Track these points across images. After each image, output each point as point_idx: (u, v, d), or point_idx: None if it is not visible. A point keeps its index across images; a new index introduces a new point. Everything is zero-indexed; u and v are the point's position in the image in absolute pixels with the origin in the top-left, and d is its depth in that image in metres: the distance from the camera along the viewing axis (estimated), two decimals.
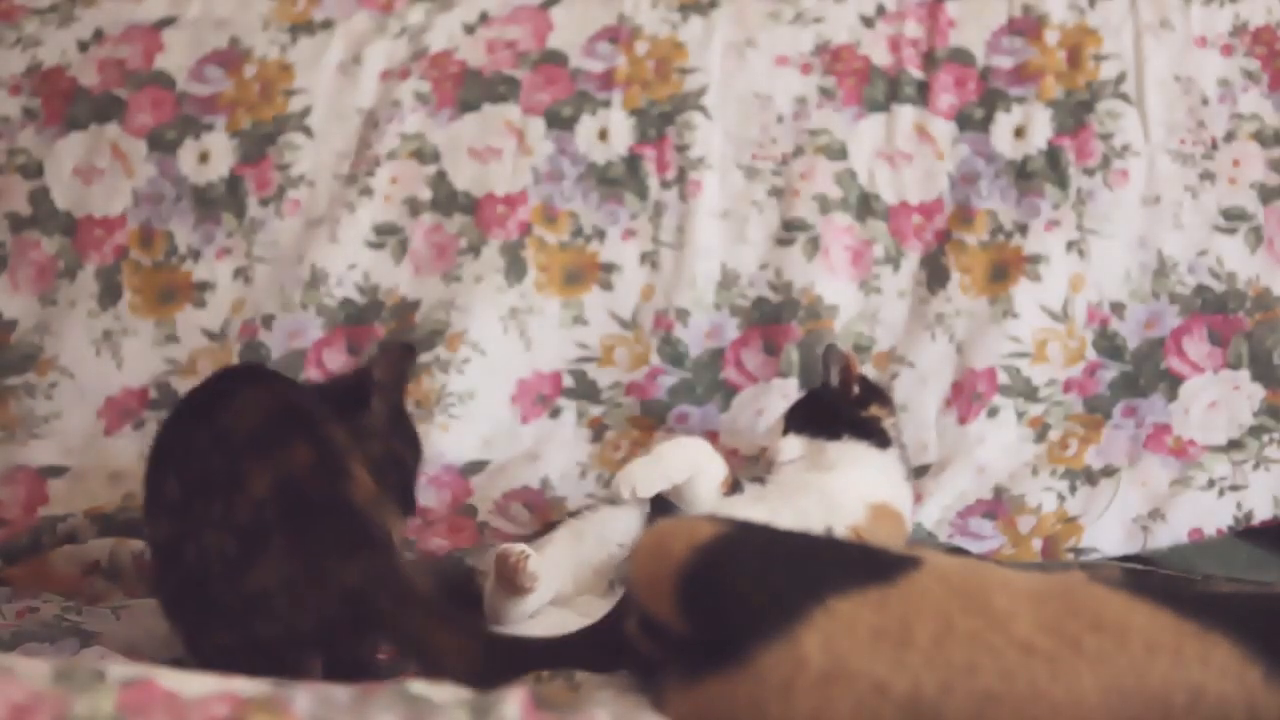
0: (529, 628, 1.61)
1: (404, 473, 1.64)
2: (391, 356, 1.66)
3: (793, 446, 1.86)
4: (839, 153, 2.27)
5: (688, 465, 1.73)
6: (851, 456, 1.84)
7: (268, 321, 2.24)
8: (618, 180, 2.29)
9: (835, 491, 1.78)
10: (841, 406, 1.89)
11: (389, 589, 1.34)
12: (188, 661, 1.40)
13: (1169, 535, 1.96)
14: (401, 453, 1.64)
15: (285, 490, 1.33)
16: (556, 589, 1.65)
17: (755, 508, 1.69)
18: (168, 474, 1.42)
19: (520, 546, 1.63)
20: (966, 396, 2.13)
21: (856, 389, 1.91)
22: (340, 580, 1.33)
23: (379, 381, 1.63)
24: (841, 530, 1.73)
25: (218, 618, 1.35)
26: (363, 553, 1.34)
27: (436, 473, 2.11)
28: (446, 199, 2.30)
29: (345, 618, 1.28)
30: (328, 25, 2.40)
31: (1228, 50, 2.24)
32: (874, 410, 1.90)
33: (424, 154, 2.31)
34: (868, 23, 2.33)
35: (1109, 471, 2.04)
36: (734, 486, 1.76)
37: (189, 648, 1.41)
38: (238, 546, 1.33)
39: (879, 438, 1.87)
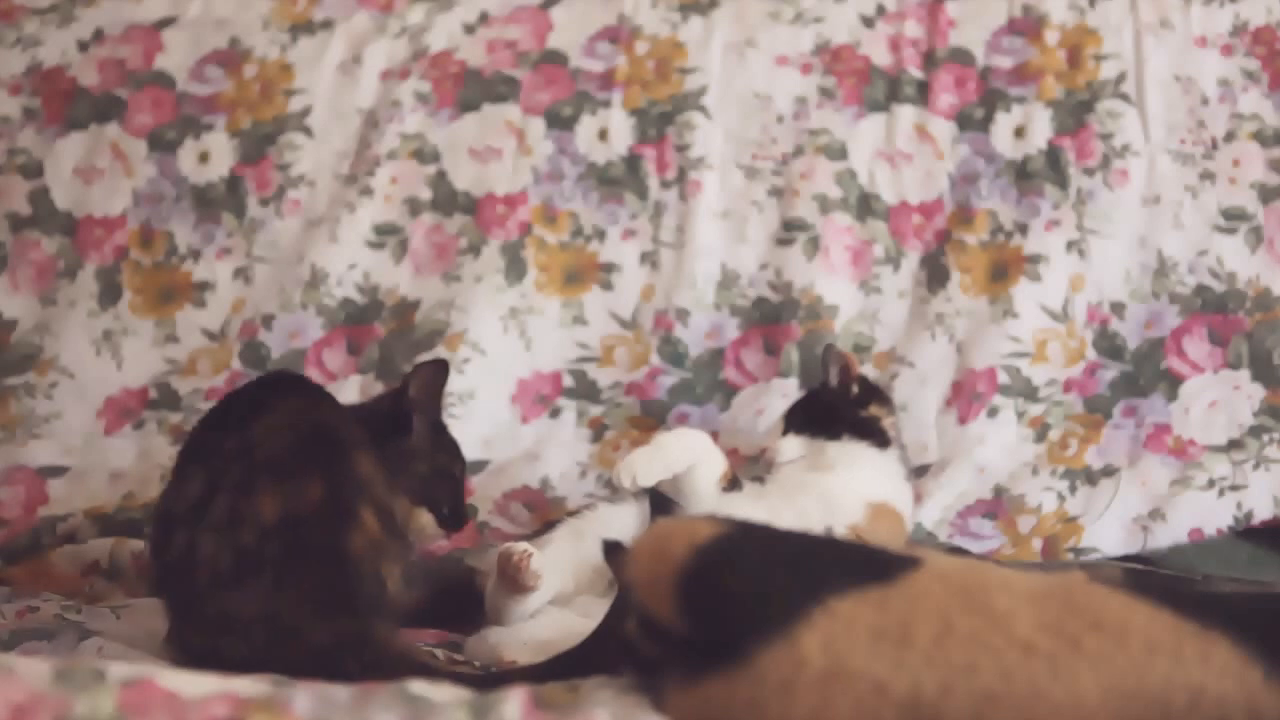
0: (529, 628, 1.61)
1: (452, 485, 1.67)
2: (427, 375, 1.67)
3: (792, 447, 1.86)
4: (839, 153, 2.27)
5: (688, 455, 1.73)
6: (851, 456, 1.84)
7: (268, 321, 2.24)
8: (618, 180, 2.29)
9: (835, 491, 1.78)
10: (841, 406, 1.89)
11: (359, 654, 1.32)
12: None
13: (1169, 535, 1.96)
14: (447, 466, 1.67)
15: (289, 527, 1.33)
16: (557, 588, 1.65)
17: (755, 506, 1.69)
18: (194, 469, 1.42)
19: (523, 545, 1.63)
20: (966, 396, 2.13)
21: (856, 389, 1.91)
22: (312, 637, 1.32)
23: (417, 400, 1.64)
24: (841, 529, 1.73)
25: (196, 617, 1.37)
26: (342, 614, 1.34)
27: None
28: (446, 199, 2.30)
29: (311, 671, 1.29)
30: (328, 25, 2.40)
31: (1228, 50, 2.24)
32: (873, 410, 1.90)
33: (424, 154, 2.32)
34: (868, 23, 2.33)
35: (1109, 471, 2.04)
36: (733, 484, 1.76)
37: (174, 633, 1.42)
38: (233, 564, 1.34)
39: (878, 437, 1.87)
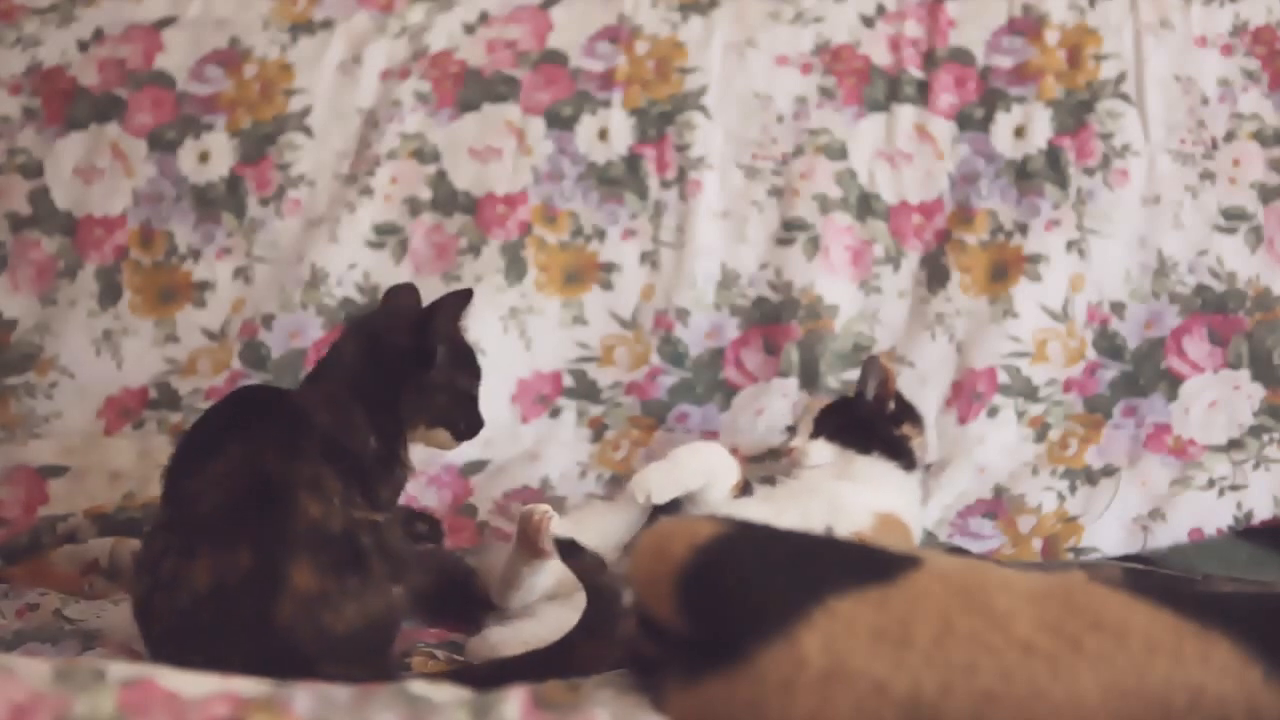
0: (529, 627, 1.61)
1: (469, 403, 1.70)
2: (450, 306, 1.68)
3: (822, 452, 1.85)
4: (839, 152, 2.27)
5: (704, 472, 1.72)
6: (877, 473, 1.83)
7: (268, 321, 2.24)
8: (618, 180, 2.29)
9: (845, 497, 1.77)
10: (875, 421, 1.88)
11: None
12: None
13: (1169, 535, 1.96)
14: (466, 388, 1.70)
15: (217, 598, 1.37)
16: (558, 575, 1.65)
17: (761, 508, 1.69)
18: (164, 510, 1.48)
19: (544, 507, 1.64)
20: (966, 396, 2.13)
21: (892, 405, 1.90)
22: None
23: (441, 332, 1.66)
24: (843, 534, 1.72)
25: (156, 659, 1.40)
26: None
27: (436, 473, 2.11)
28: (446, 199, 2.30)
29: None
30: (328, 25, 2.40)
31: (1228, 50, 2.24)
32: (906, 429, 1.89)
33: (424, 154, 2.32)
34: (868, 22, 2.33)
35: (1109, 471, 2.04)
36: (745, 489, 1.76)
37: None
38: (177, 624, 1.39)
39: (907, 459, 1.86)
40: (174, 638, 1.38)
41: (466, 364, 1.71)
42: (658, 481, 1.70)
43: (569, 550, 1.49)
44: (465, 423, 1.69)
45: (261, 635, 1.35)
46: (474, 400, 1.71)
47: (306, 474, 1.43)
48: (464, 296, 1.69)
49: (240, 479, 1.42)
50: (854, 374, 2.04)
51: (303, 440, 1.47)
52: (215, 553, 1.38)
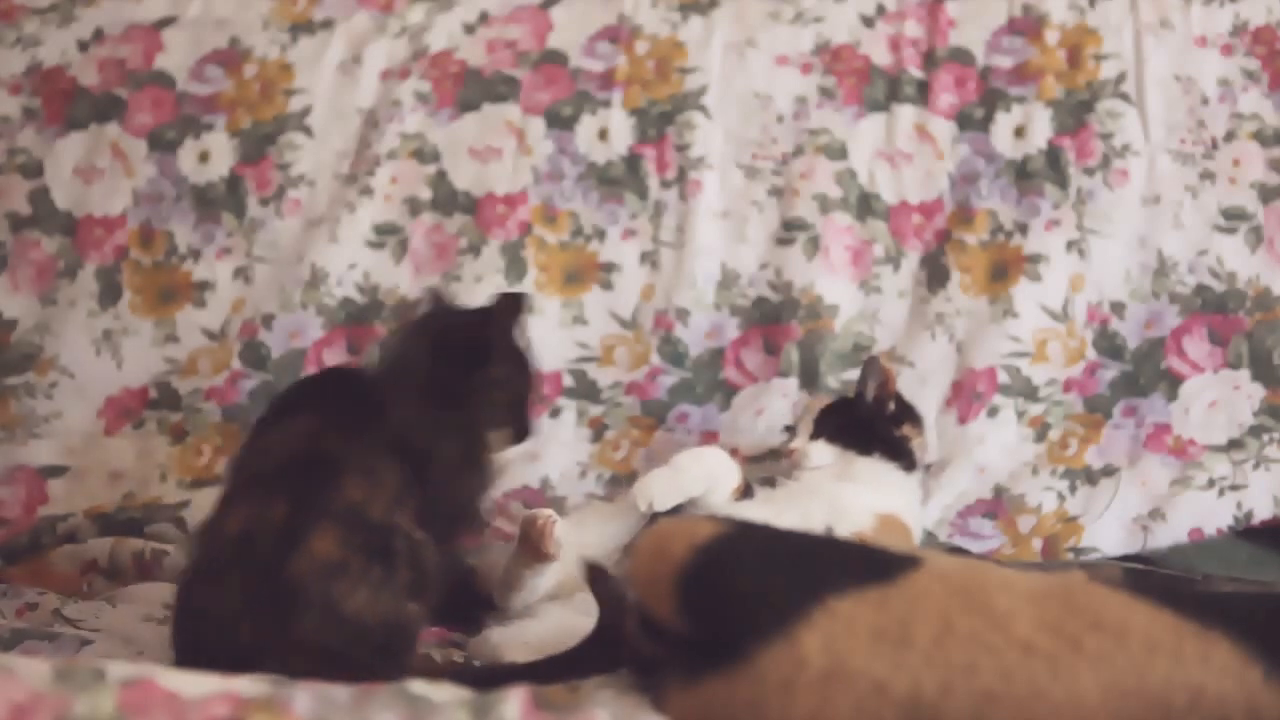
0: (530, 628, 1.62)
1: (522, 405, 1.72)
2: (508, 307, 1.71)
3: (823, 453, 1.85)
4: (839, 152, 2.27)
5: (705, 478, 1.72)
6: (877, 474, 1.83)
7: (268, 321, 2.24)
8: (618, 180, 2.29)
9: (845, 498, 1.77)
10: (875, 423, 1.88)
11: (284, 662, 1.34)
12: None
13: (1169, 535, 1.96)
14: (522, 390, 1.71)
15: (243, 541, 1.41)
16: (560, 577, 1.66)
17: (762, 510, 1.69)
18: (226, 474, 1.55)
19: (547, 512, 1.64)
20: (966, 396, 2.13)
21: (892, 405, 1.90)
22: (245, 648, 1.37)
23: (500, 332, 1.68)
24: (843, 534, 1.72)
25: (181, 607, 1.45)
26: (275, 625, 1.39)
27: None
28: (446, 199, 2.30)
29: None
30: (328, 25, 2.40)
31: (1228, 50, 2.24)
32: (906, 430, 1.89)
33: (424, 154, 2.31)
34: (868, 22, 2.33)
35: (1109, 471, 2.04)
36: (746, 492, 1.76)
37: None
38: (208, 568, 1.43)
39: (907, 459, 1.86)
40: (197, 581, 1.42)
41: (524, 367, 1.72)
42: (660, 489, 1.70)
43: (598, 577, 1.47)
44: (515, 428, 1.71)
45: (274, 583, 1.37)
46: (524, 405, 1.72)
47: (362, 461, 1.45)
48: (518, 302, 1.71)
49: (298, 447, 1.46)
50: (854, 374, 2.04)
51: (372, 430, 1.49)
52: (253, 502, 1.42)
